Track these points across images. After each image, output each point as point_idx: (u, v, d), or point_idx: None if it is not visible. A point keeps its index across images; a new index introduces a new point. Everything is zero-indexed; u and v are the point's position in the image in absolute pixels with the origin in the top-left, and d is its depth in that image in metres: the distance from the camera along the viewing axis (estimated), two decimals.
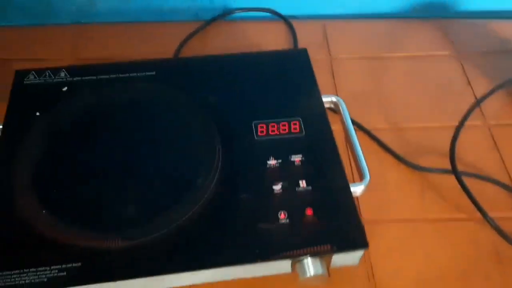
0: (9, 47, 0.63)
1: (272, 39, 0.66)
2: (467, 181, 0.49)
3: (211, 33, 0.67)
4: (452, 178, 0.49)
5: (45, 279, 0.37)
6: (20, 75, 0.51)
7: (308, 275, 0.39)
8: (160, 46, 0.64)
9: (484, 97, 0.54)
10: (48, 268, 0.38)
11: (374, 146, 0.55)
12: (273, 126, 0.48)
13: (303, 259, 0.40)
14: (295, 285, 0.41)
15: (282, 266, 0.41)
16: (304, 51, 0.56)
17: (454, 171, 0.49)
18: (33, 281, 0.37)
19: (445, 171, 0.51)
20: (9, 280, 0.37)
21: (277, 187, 0.43)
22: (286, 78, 0.53)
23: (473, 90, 0.60)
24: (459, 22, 0.70)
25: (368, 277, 0.44)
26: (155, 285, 0.40)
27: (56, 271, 0.38)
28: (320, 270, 0.39)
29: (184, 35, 0.66)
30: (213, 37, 0.67)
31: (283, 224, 0.41)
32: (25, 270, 0.37)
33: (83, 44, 0.64)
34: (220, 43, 0.66)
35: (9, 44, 0.64)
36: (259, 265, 0.40)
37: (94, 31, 0.66)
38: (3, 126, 0.47)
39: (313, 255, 0.40)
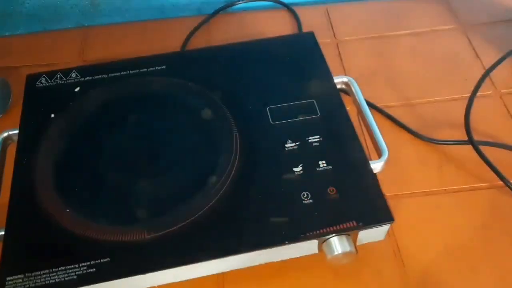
0: (17, 55, 0.63)
1: (276, 27, 0.66)
2: (483, 150, 0.48)
3: (215, 26, 0.67)
4: (468, 149, 0.49)
5: (75, 277, 0.37)
6: (32, 79, 0.51)
7: (336, 253, 0.39)
8: (165, 43, 0.64)
9: (494, 66, 0.54)
10: (77, 266, 0.38)
11: (388, 123, 0.55)
12: (287, 110, 0.48)
13: (329, 238, 0.40)
14: (323, 265, 0.41)
15: (309, 247, 0.41)
16: (311, 34, 0.55)
17: (470, 140, 0.49)
18: (63, 279, 0.37)
19: (461, 142, 0.51)
20: (39, 280, 0.37)
21: (298, 169, 0.43)
22: (296, 62, 0.53)
23: (481, 61, 0.60)
24: None
25: (395, 253, 0.44)
26: (185, 275, 0.40)
27: (86, 267, 0.38)
28: (347, 248, 0.40)
29: (188, 30, 0.66)
30: (217, 30, 0.67)
31: (306, 204, 0.41)
32: (54, 269, 0.38)
33: (89, 46, 0.64)
34: (224, 35, 0.66)
35: (17, 52, 0.64)
36: (286, 247, 0.40)
37: (99, 33, 0.66)
38: (19, 131, 0.47)
39: (339, 233, 0.40)
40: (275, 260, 0.42)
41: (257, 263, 0.42)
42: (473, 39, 0.63)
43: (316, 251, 0.42)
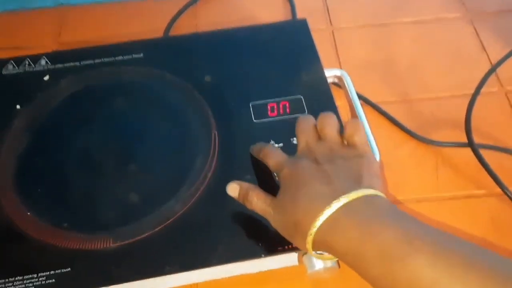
0: None
1: (270, 11, 0.62)
2: (484, 153, 0.45)
3: (202, 9, 0.63)
4: (468, 152, 0.45)
5: None
6: None
7: (316, 268, 0.36)
8: (149, 25, 0.60)
9: (501, 62, 0.50)
10: (35, 276, 0.35)
11: (383, 121, 0.51)
12: (272, 107, 0.44)
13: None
14: (305, 276, 0.38)
15: (288, 259, 0.38)
16: (304, 21, 0.51)
17: (470, 143, 0.45)
18: None
19: (460, 145, 0.47)
20: None
21: None
22: (285, 52, 0.49)
23: (487, 54, 0.56)
24: None
25: None
26: (152, 286, 0.38)
27: (44, 278, 0.35)
28: (329, 263, 0.36)
29: (173, 12, 0.61)
30: (205, 13, 0.62)
31: None
32: (10, 279, 0.35)
33: (66, 28, 0.60)
34: (212, 18, 0.61)
35: None
36: (263, 260, 0.37)
37: (77, 13, 0.62)
38: None
39: None
40: (252, 272, 0.39)
41: (232, 275, 0.39)
42: (480, 30, 0.58)
43: (297, 263, 0.39)
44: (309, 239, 0.31)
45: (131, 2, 0.63)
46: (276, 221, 0.34)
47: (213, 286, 0.39)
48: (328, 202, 0.30)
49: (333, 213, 0.30)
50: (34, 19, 0.61)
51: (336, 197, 0.30)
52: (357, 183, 0.32)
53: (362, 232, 0.29)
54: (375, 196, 0.31)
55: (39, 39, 0.59)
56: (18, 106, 0.44)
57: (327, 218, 0.30)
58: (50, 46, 0.57)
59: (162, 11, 0.61)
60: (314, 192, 0.32)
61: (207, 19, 0.61)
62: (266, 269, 0.39)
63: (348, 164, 0.34)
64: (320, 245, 0.31)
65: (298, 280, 0.40)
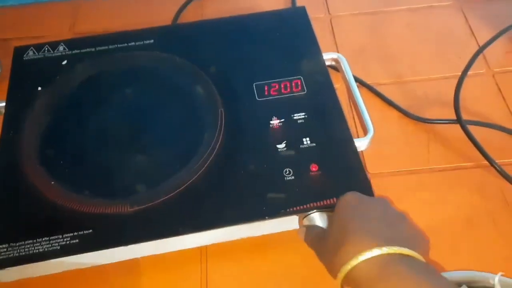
0: (7, 27, 0.63)
1: (270, 2, 0.65)
2: (473, 130, 0.48)
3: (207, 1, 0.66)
4: (458, 128, 0.49)
5: (58, 247, 0.38)
6: (19, 51, 0.51)
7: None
8: (157, 16, 0.64)
9: (487, 44, 0.53)
10: (60, 236, 0.39)
11: (378, 101, 0.54)
12: (274, 86, 0.48)
13: (310, 214, 0.40)
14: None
15: (290, 222, 0.41)
16: (303, 8, 0.55)
17: (458, 119, 0.49)
18: (46, 249, 0.38)
19: (450, 121, 0.51)
20: (23, 250, 0.38)
21: (281, 146, 0.43)
22: (286, 37, 0.52)
23: (476, 38, 0.59)
24: None
25: None
26: (167, 247, 0.41)
27: (69, 238, 0.38)
28: (327, 224, 0.40)
29: (180, 3, 0.65)
30: (210, 4, 0.66)
31: (288, 181, 0.41)
32: (37, 239, 0.38)
33: (79, 20, 0.64)
34: (218, 9, 0.65)
35: (7, 24, 0.63)
36: (267, 222, 0.40)
37: (89, 6, 0.66)
38: (6, 103, 0.47)
39: (320, 209, 0.40)
40: (256, 235, 0.42)
41: (238, 237, 0.42)
42: (469, 16, 0.61)
43: (297, 226, 0.42)
44: (345, 268, 0.31)
45: None
46: (321, 237, 0.36)
47: (220, 249, 0.43)
48: (381, 244, 0.31)
49: (380, 255, 0.31)
50: (50, 12, 0.65)
51: (390, 243, 0.31)
52: (414, 242, 0.33)
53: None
54: (421, 261, 0.32)
55: (55, 29, 0.62)
56: (39, 88, 0.48)
57: (374, 257, 0.31)
58: (65, 36, 0.61)
59: (169, 2, 0.65)
60: (374, 228, 0.33)
61: (212, 10, 0.65)
62: (268, 232, 0.42)
63: (409, 225, 0.35)
64: (350, 281, 0.32)
65: (298, 245, 0.43)
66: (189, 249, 0.43)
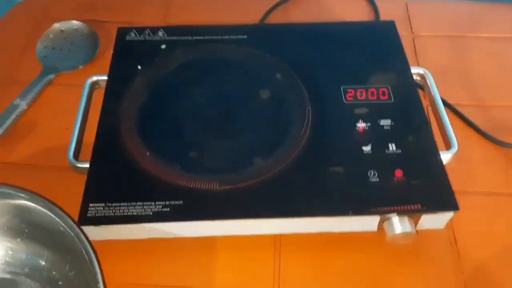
0: (105, 11, 0.67)
1: (354, 16, 0.67)
2: None
3: (292, 7, 0.69)
4: None
5: (151, 213, 0.40)
6: (122, 32, 0.55)
7: (397, 232, 0.40)
8: (245, 16, 0.66)
9: None
10: (153, 203, 0.41)
11: (457, 121, 0.54)
12: (361, 92, 0.49)
13: (391, 217, 0.41)
14: (376, 246, 0.43)
15: (369, 223, 0.42)
16: (392, 23, 0.56)
17: None
18: (139, 213, 0.40)
19: None
20: (118, 210, 0.40)
21: (367, 148, 0.44)
22: (374, 47, 0.54)
23: None
24: None
25: (451, 243, 0.45)
26: (245, 229, 0.43)
27: (161, 206, 0.40)
28: (409, 228, 0.40)
29: (266, 8, 0.67)
30: (295, 11, 0.68)
31: (373, 182, 0.42)
32: (131, 203, 0.41)
33: (172, 11, 0.67)
34: (301, 17, 0.67)
35: (105, 8, 0.67)
36: (348, 219, 0.41)
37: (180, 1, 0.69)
38: (108, 77, 0.50)
39: (402, 213, 0.41)
40: (334, 231, 0.43)
41: (314, 231, 0.43)
42: None
43: (375, 229, 0.43)
44: None
45: None
46: None
47: (294, 240, 0.44)
48: None
49: None
50: (144, 1, 0.69)
51: None
52: None
53: None
54: None
55: (149, 18, 0.66)
56: (139, 67, 0.51)
57: None
58: (158, 25, 0.64)
59: (257, 4, 0.68)
60: None
61: (296, 17, 0.67)
62: (346, 230, 0.43)
63: None
64: None
65: (371, 249, 0.44)
66: (263, 236, 0.44)
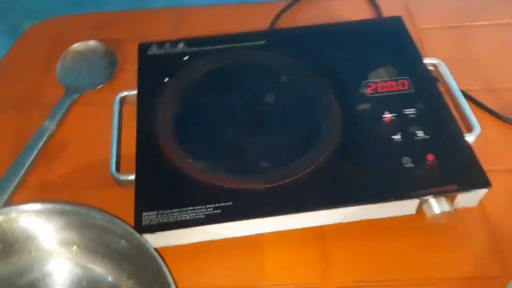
0: (118, 29, 0.68)
1: (358, 15, 0.69)
2: None
3: (298, 11, 0.71)
4: None
5: (203, 216, 0.42)
6: (143, 47, 0.56)
7: (437, 211, 0.43)
8: (253, 24, 0.68)
9: None
10: (204, 207, 0.42)
11: (471, 106, 0.57)
12: (382, 85, 0.51)
13: (429, 199, 0.43)
14: (414, 228, 0.45)
15: (408, 207, 0.44)
16: (399, 18, 0.59)
17: None
18: (192, 217, 0.42)
19: None
20: (171, 217, 0.42)
21: (397, 137, 0.47)
22: (386, 43, 0.56)
23: None
24: None
25: (483, 222, 0.47)
26: (291, 224, 0.44)
27: (212, 209, 0.42)
28: (447, 207, 0.43)
29: (272, 14, 0.70)
30: (301, 14, 0.70)
31: (408, 168, 0.44)
32: (183, 208, 0.42)
33: (182, 24, 0.69)
34: (308, 20, 0.69)
35: (116, 26, 0.69)
36: (388, 205, 0.44)
37: (189, 13, 0.71)
38: (138, 91, 0.52)
39: (439, 195, 0.43)
40: (374, 217, 0.45)
41: (358, 218, 0.45)
42: None
43: (414, 212, 0.45)
44: None
45: (234, 4, 0.72)
46: None
47: (336, 230, 0.46)
48: None
49: None
50: (152, 17, 0.70)
51: None
52: None
53: None
54: None
55: (160, 32, 0.67)
56: (166, 79, 0.52)
57: None
58: (170, 38, 0.66)
59: (264, 11, 0.70)
60: None
61: (303, 21, 0.70)
62: (386, 216, 0.45)
63: None
64: None
65: (409, 232, 0.46)
66: (306, 229, 0.46)
